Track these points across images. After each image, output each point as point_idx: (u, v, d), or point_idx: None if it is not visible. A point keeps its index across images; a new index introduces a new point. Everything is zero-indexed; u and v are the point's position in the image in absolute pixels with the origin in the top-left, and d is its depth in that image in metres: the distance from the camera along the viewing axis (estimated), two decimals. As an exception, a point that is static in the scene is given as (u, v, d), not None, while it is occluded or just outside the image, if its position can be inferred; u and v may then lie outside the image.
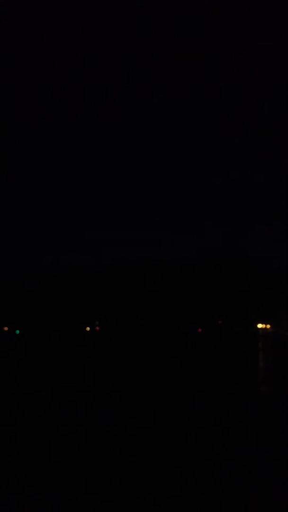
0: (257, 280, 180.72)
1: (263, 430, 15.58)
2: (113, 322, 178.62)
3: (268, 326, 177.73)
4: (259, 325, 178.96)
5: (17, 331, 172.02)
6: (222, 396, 22.17)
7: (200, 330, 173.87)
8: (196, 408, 19.26)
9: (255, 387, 25.89)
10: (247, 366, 39.09)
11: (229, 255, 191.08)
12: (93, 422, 16.87)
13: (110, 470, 11.59)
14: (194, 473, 11.31)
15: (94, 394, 23.29)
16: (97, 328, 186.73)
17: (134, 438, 14.36)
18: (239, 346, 77.48)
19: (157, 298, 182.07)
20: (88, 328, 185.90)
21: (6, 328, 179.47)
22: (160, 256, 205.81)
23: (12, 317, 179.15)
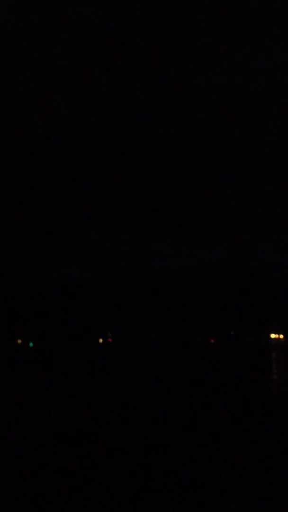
0: (270, 290, 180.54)
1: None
2: (125, 333, 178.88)
3: (281, 336, 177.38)
4: (272, 335, 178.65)
5: (31, 344, 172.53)
6: (239, 415, 22.52)
7: (212, 340, 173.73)
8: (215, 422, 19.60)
9: (271, 402, 26.18)
10: (262, 377, 39.32)
11: (242, 265, 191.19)
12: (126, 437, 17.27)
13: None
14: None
15: (113, 410, 23.67)
16: (110, 340, 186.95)
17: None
18: (252, 356, 77.54)
19: (170, 308, 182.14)
20: (101, 340, 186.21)
21: (19, 341, 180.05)
22: (172, 267, 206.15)
23: (25, 330, 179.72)
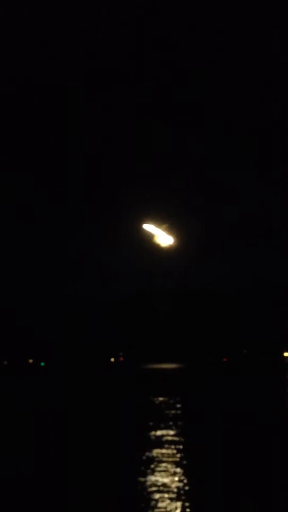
0: (284, 307, 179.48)
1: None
2: (136, 353, 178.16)
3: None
4: (286, 354, 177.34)
5: (42, 363, 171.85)
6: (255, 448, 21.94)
7: (225, 359, 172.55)
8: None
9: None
10: (278, 398, 38.63)
11: (253, 282, 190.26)
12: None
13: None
14: None
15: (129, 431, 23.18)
16: (121, 359, 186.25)
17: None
18: (265, 376, 76.74)
19: (182, 326, 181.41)
20: (112, 359, 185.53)
21: (31, 361, 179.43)
22: (184, 284, 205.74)
23: (36, 349, 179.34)
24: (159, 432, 21.84)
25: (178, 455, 17.22)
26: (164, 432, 22.03)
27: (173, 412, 29.27)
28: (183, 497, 12.60)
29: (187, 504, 12.04)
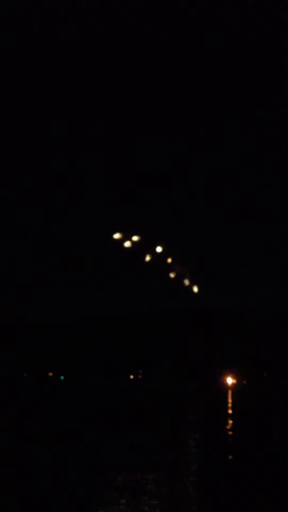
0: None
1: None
2: (155, 371, 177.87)
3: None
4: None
5: (62, 377, 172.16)
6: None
7: (245, 382, 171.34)
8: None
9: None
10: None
11: (275, 304, 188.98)
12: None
13: None
14: None
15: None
16: (140, 376, 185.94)
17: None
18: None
19: (201, 348, 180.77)
20: (132, 376, 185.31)
21: (51, 374, 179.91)
22: (204, 304, 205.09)
23: (57, 363, 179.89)
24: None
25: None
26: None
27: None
28: None
29: None
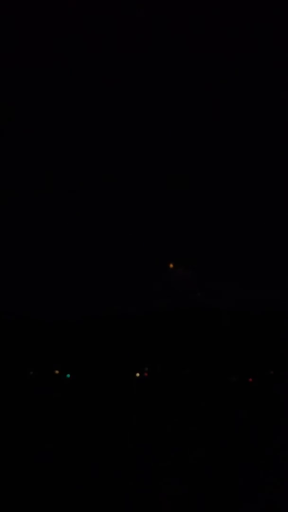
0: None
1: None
2: (161, 369, 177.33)
3: None
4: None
5: (68, 375, 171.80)
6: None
7: (251, 379, 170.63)
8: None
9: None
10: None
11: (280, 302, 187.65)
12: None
13: None
14: None
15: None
16: (146, 374, 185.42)
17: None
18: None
19: (207, 346, 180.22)
20: (138, 374, 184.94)
21: (57, 372, 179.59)
22: (209, 303, 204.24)
23: (64, 360, 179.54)
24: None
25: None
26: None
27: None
28: None
29: None
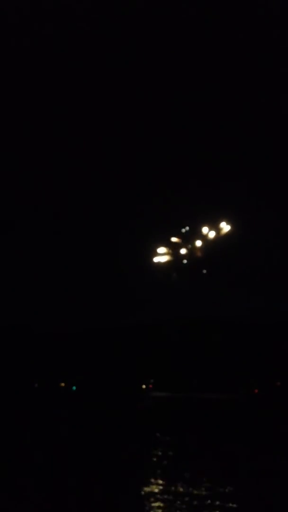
0: None
1: None
2: (166, 380, 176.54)
3: None
4: None
5: (74, 387, 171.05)
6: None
7: (256, 391, 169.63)
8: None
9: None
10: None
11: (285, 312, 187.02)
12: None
13: None
14: None
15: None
16: (151, 386, 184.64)
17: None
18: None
19: (214, 356, 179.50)
20: (144, 386, 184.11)
21: (63, 384, 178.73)
22: (218, 312, 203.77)
23: (69, 373, 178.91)
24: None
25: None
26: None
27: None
28: None
29: None
